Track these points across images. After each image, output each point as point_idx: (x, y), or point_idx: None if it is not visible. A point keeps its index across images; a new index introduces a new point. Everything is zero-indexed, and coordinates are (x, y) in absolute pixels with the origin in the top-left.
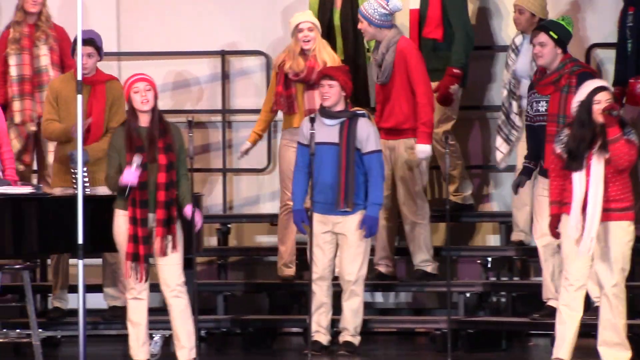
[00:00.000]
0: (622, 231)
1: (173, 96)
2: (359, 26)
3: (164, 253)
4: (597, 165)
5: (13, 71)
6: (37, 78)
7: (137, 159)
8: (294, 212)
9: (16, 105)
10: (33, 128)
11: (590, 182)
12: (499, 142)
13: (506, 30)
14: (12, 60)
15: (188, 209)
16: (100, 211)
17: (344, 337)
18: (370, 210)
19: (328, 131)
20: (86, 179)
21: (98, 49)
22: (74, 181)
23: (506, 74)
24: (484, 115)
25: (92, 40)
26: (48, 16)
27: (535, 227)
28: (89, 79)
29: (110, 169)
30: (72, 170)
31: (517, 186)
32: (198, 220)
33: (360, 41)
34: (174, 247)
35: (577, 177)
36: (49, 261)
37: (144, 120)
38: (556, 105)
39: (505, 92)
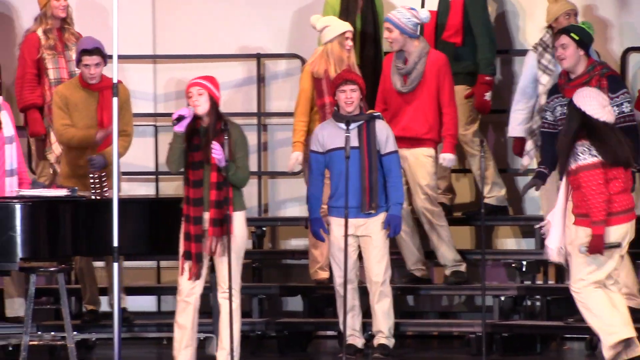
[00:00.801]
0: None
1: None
2: (389, 35)
3: (217, 253)
4: None
5: (51, 74)
6: None
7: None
8: (311, 220)
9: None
10: None
11: None
12: (530, 146)
13: (523, 33)
14: (50, 64)
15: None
16: (134, 214)
17: (379, 339)
18: (394, 210)
19: (344, 135)
20: (105, 183)
21: (103, 56)
22: (92, 185)
23: (546, 78)
24: (500, 119)
25: (99, 50)
26: (72, 19)
27: None
28: (97, 85)
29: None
30: (91, 175)
31: (528, 188)
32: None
33: (380, 46)
34: (228, 247)
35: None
36: None
37: (204, 121)
38: None
39: (544, 98)
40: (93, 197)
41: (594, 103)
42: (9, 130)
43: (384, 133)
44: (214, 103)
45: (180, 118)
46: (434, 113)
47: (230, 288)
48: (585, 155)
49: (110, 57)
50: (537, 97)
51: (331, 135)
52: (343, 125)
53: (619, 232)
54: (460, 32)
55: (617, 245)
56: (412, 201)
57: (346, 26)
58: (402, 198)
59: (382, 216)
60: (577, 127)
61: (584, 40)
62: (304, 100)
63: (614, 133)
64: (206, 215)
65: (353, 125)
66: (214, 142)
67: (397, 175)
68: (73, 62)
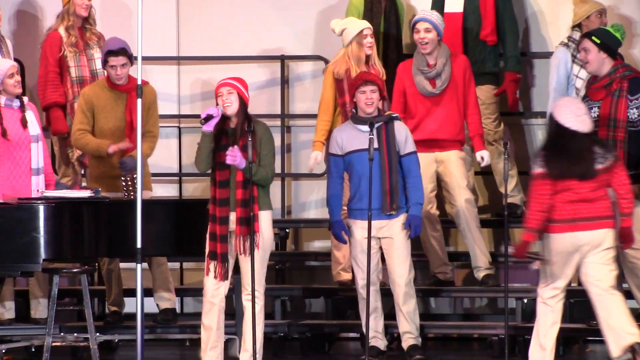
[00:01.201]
0: None
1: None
2: (426, 36)
3: (244, 252)
4: None
5: (73, 72)
6: (94, 80)
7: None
8: (333, 223)
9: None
10: None
11: None
12: None
13: (542, 36)
14: (72, 62)
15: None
16: (157, 215)
17: (408, 341)
18: (414, 210)
19: (364, 137)
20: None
21: (129, 57)
22: (125, 187)
23: (584, 72)
24: (515, 122)
25: (124, 50)
26: (94, 19)
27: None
28: (124, 87)
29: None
30: (122, 177)
31: None
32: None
33: (401, 48)
34: (257, 245)
35: None
36: None
37: (232, 122)
38: (607, 109)
39: (584, 91)
40: (126, 199)
41: (566, 111)
42: (35, 129)
43: (402, 134)
44: (243, 104)
45: (208, 117)
46: (461, 115)
47: (253, 290)
48: (536, 165)
49: (136, 58)
50: (574, 91)
51: (350, 138)
52: (362, 127)
53: (559, 241)
54: (495, 31)
55: (542, 258)
56: (452, 203)
57: (362, 24)
58: (422, 198)
59: (402, 217)
60: (548, 136)
61: (607, 43)
62: (326, 100)
63: (580, 144)
64: (232, 216)
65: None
66: (230, 148)
67: (416, 176)
68: (94, 60)
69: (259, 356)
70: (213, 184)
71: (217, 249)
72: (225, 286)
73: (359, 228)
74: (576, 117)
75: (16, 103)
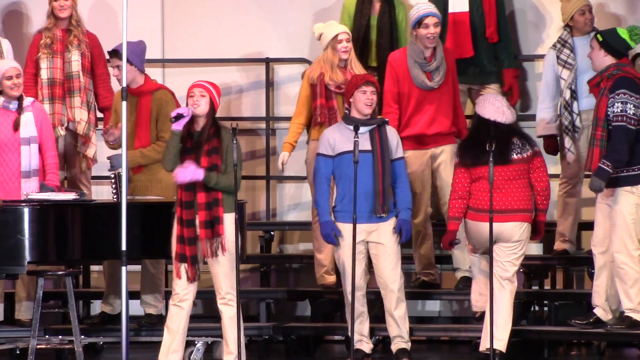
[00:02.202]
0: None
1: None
2: (435, 31)
3: (210, 254)
4: None
5: (44, 74)
6: (68, 83)
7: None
8: (321, 224)
9: (46, 108)
10: (62, 132)
11: None
12: (569, 142)
13: (529, 40)
14: (44, 64)
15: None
16: (144, 217)
17: (398, 344)
18: (404, 214)
19: (354, 140)
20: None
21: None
22: (113, 185)
23: (566, 72)
24: None
25: (116, 52)
26: (79, 20)
27: (593, 235)
28: (136, 89)
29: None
30: (112, 175)
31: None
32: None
33: (395, 48)
34: (223, 248)
35: None
36: (91, 267)
37: (199, 125)
38: (595, 107)
39: (568, 93)
40: (114, 197)
41: (486, 104)
42: (29, 131)
43: (394, 138)
44: (212, 108)
45: (178, 116)
46: (452, 108)
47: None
48: (456, 155)
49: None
50: (561, 93)
51: (342, 139)
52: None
53: (473, 229)
54: (497, 29)
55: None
56: (442, 200)
57: (338, 29)
58: (411, 203)
59: (392, 222)
60: (471, 128)
61: (609, 43)
62: (300, 103)
63: (497, 133)
64: (197, 219)
65: (364, 130)
66: (181, 166)
67: (405, 181)
68: (71, 63)
69: (244, 358)
70: (179, 186)
71: (186, 251)
72: (193, 291)
73: (347, 231)
74: (495, 109)
75: (14, 105)
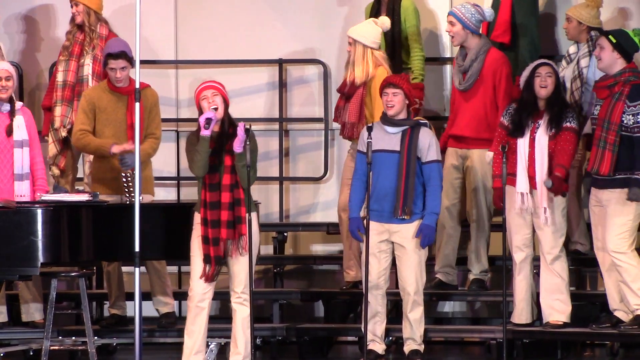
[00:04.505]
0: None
1: (230, 104)
2: (451, 29)
3: (234, 253)
4: (542, 137)
5: (59, 77)
6: (78, 87)
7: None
8: (350, 219)
9: (57, 110)
10: (63, 134)
11: (536, 154)
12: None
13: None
14: (61, 66)
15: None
16: (159, 218)
17: (411, 346)
18: (427, 219)
19: (389, 139)
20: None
21: (130, 59)
22: (125, 182)
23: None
24: None
25: (124, 53)
26: (93, 26)
27: (594, 239)
28: (125, 89)
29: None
30: (123, 174)
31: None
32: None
33: (395, 58)
34: (244, 247)
35: (521, 144)
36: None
37: (216, 125)
38: (604, 110)
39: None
40: (126, 196)
41: None
42: (21, 134)
43: (426, 141)
44: (226, 106)
45: (208, 122)
46: (492, 112)
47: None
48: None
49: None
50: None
51: (376, 137)
52: (388, 128)
53: None
54: (509, 31)
55: None
56: (473, 202)
57: (348, 31)
58: (439, 208)
59: (416, 224)
60: None
61: (622, 44)
62: None
63: None
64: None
65: (397, 130)
66: (239, 127)
67: (435, 185)
68: (83, 67)
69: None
70: (203, 187)
71: (211, 252)
72: (212, 290)
73: (372, 230)
74: None
75: (5, 107)
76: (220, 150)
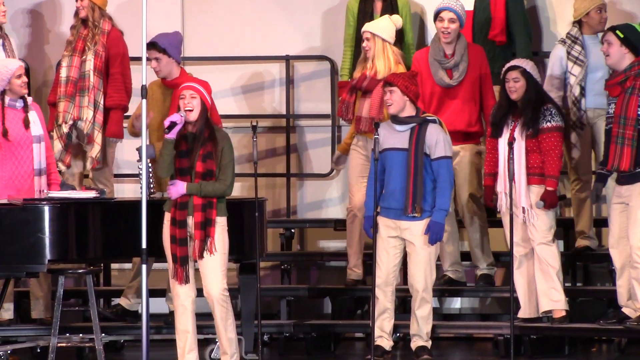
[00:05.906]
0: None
1: (237, 101)
2: (450, 26)
3: (201, 255)
4: (519, 139)
5: (63, 72)
6: (80, 82)
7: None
8: (365, 218)
9: (60, 106)
10: (66, 130)
11: (515, 154)
12: (575, 139)
13: (553, 36)
14: (65, 62)
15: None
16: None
17: (417, 342)
18: (436, 216)
19: (399, 137)
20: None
21: (162, 50)
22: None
23: (577, 69)
24: None
25: (154, 44)
26: (97, 21)
27: (610, 236)
28: (171, 82)
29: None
30: (139, 167)
31: (596, 197)
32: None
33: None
34: (210, 250)
35: (501, 144)
36: (112, 265)
37: (193, 127)
38: (619, 106)
39: (578, 89)
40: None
41: None
42: (37, 129)
43: (433, 137)
44: (204, 109)
45: (172, 125)
46: (477, 106)
47: (258, 292)
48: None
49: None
50: (569, 88)
51: (387, 136)
52: (397, 127)
53: None
54: (505, 30)
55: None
56: (458, 198)
57: (364, 26)
58: (447, 205)
59: (426, 221)
60: None
61: (630, 39)
62: None
63: None
64: (190, 220)
65: (405, 127)
66: (171, 183)
67: (444, 182)
68: (85, 62)
69: (235, 357)
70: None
71: (177, 252)
72: (194, 288)
73: (383, 226)
74: None
75: (19, 103)
76: (192, 155)
